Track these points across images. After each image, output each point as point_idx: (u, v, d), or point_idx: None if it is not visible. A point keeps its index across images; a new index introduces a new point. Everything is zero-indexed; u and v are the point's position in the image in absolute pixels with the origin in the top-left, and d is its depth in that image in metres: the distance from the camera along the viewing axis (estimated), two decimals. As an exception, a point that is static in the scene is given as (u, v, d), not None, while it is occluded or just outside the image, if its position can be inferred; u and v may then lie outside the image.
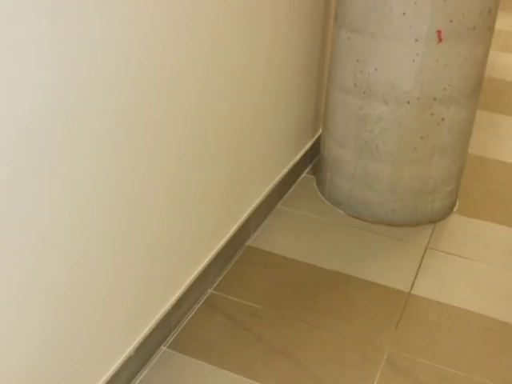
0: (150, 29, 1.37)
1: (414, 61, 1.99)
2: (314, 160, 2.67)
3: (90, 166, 1.30)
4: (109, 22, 1.24)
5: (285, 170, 2.41)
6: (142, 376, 1.66)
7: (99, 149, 1.31)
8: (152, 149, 1.50)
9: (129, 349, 1.62)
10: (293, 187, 2.50)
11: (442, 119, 2.11)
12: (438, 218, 2.34)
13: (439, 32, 1.94)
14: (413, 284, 2.03)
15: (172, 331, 1.79)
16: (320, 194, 2.46)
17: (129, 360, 1.61)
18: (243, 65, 1.86)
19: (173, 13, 1.44)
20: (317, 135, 2.67)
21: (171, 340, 1.77)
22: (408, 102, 2.07)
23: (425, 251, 2.18)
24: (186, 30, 1.51)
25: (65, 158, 1.22)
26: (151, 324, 1.69)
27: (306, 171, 2.62)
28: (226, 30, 1.70)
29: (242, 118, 1.94)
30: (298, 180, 2.55)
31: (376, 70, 2.06)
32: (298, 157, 2.51)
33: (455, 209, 2.41)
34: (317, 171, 2.55)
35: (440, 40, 1.95)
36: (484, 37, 2.02)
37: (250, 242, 2.18)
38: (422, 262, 2.13)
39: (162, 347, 1.75)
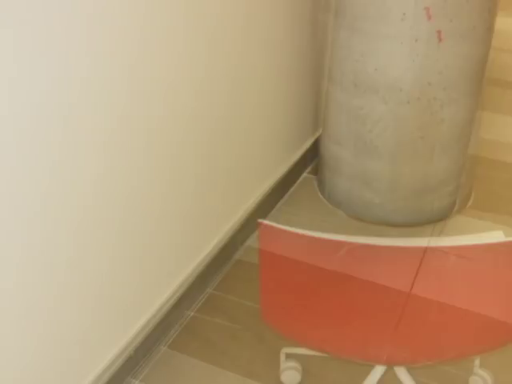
0: (150, 29, 1.37)
1: (413, 61, 1.99)
2: (314, 160, 2.67)
3: (90, 165, 1.30)
4: (109, 22, 1.24)
5: (285, 170, 2.41)
6: (142, 376, 1.67)
7: (100, 147, 1.31)
8: (150, 147, 1.50)
9: (129, 349, 1.62)
10: (293, 187, 2.50)
11: (442, 119, 2.11)
12: (438, 218, 2.33)
13: (439, 32, 1.94)
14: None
15: (172, 331, 1.79)
16: (320, 194, 2.46)
17: (129, 360, 1.61)
18: (244, 64, 1.86)
19: (172, 12, 1.44)
20: (317, 135, 2.67)
21: (171, 340, 1.77)
22: (408, 102, 2.07)
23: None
24: (186, 28, 1.51)
25: (65, 158, 1.22)
26: (151, 324, 1.69)
27: (307, 171, 2.62)
28: (227, 29, 1.70)
29: (242, 118, 1.94)
30: (299, 180, 2.55)
31: (376, 69, 2.05)
32: (299, 157, 2.51)
33: (455, 209, 2.41)
34: (317, 171, 2.55)
35: (440, 40, 1.95)
36: (484, 37, 2.02)
37: (250, 242, 2.18)
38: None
39: (161, 347, 1.75)
